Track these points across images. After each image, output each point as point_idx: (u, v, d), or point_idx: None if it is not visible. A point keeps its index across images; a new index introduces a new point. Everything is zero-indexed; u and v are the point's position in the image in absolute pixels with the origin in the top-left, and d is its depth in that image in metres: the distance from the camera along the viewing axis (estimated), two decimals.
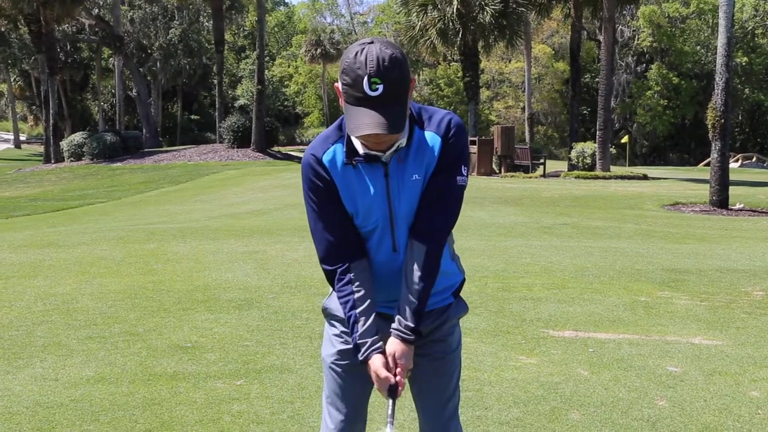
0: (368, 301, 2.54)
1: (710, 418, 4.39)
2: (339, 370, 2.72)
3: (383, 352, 2.54)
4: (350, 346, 2.63)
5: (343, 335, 2.69)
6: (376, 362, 2.51)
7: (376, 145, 2.39)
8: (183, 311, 6.76)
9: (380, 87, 2.26)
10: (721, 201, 18.74)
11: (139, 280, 8.17)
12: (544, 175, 31.07)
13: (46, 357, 5.41)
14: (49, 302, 7.11)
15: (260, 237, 11.66)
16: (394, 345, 2.54)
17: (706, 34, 58.02)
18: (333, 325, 2.75)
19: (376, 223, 2.53)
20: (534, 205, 18.39)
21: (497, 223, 14.04)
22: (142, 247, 10.61)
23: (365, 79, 2.26)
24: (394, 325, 2.55)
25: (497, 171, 32.05)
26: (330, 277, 2.59)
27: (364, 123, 2.27)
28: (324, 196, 2.51)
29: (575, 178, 29.06)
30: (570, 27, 37.20)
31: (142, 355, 5.46)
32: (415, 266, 2.51)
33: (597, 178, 28.63)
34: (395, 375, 2.52)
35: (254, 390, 4.75)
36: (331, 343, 2.76)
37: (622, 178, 28.95)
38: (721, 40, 18.71)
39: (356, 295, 2.53)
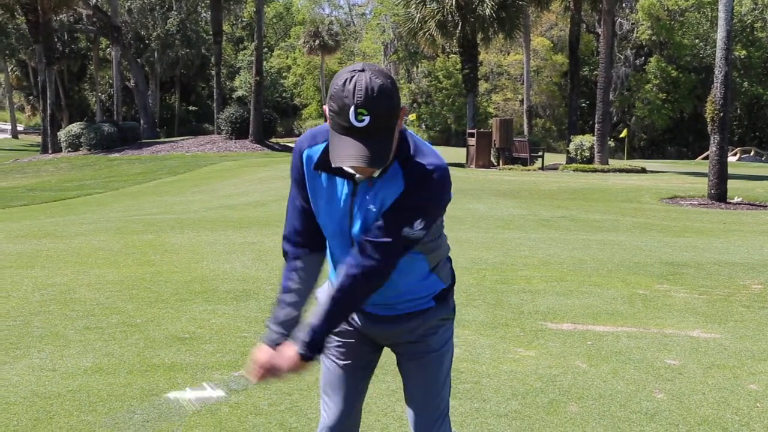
0: (299, 295, 2.56)
1: (708, 410, 4.39)
2: (329, 352, 2.74)
3: (274, 348, 2.53)
4: (342, 329, 2.67)
5: None
6: (263, 355, 2.54)
7: (360, 172, 2.35)
8: (180, 302, 6.75)
9: (366, 118, 2.19)
10: (719, 194, 18.72)
11: (136, 270, 8.15)
12: (542, 168, 31.05)
13: (44, 347, 5.40)
14: (47, 292, 7.09)
15: (258, 228, 11.64)
16: (285, 345, 2.53)
17: (705, 28, 57.92)
18: None
19: (333, 233, 2.53)
20: (532, 198, 18.37)
21: (495, 216, 14.03)
22: (140, 237, 10.60)
23: (351, 108, 2.19)
24: (297, 330, 2.55)
25: (495, 163, 32.03)
26: (285, 256, 2.63)
27: (346, 154, 2.22)
28: (298, 184, 2.56)
29: (573, 171, 29.03)
30: (569, 19, 37.13)
31: (139, 345, 5.45)
32: (331, 284, 2.54)
33: (595, 171, 28.62)
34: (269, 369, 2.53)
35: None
36: None
37: (621, 171, 28.92)
38: (720, 34, 18.66)
39: (292, 284, 2.56)
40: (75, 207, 20.44)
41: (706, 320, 6.34)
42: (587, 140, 31.90)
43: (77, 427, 4.06)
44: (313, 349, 2.47)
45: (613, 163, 31.91)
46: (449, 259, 2.75)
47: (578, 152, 31.76)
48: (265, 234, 10.92)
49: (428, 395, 2.69)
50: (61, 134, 42.40)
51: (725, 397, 4.60)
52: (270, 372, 2.54)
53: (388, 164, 2.36)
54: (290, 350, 2.49)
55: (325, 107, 2.30)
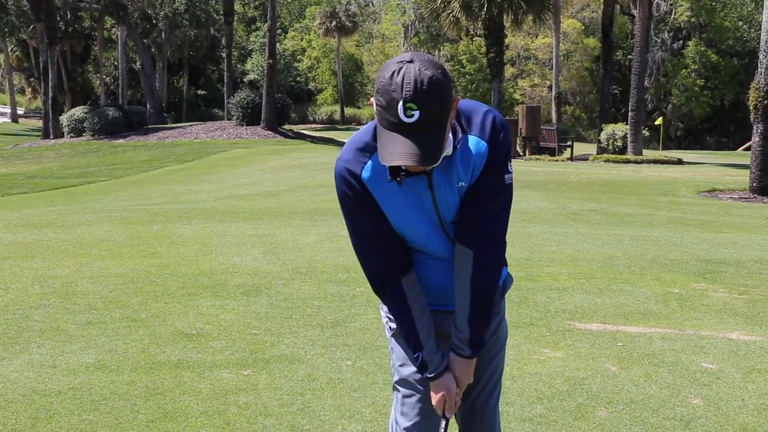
0: (426, 316, 2.55)
1: (748, 418, 4.35)
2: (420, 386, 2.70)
3: (450, 370, 2.58)
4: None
5: None
6: (448, 385, 2.57)
7: (413, 170, 2.34)
8: (188, 296, 6.78)
9: (416, 113, 2.16)
10: (762, 188, 18.57)
11: (141, 263, 8.20)
12: (571, 158, 30.95)
13: (44, 342, 5.44)
14: (47, 285, 7.15)
15: (270, 220, 11.67)
16: (454, 362, 2.58)
17: (749, 9, 57.35)
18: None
19: (427, 235, 2.52)
20: (560, 190, 18.30)
21: (521, 209, 13.98)
22: (145, 228, 10.66)
23: (400, 103, 2.16)
24: (452, 340, 2.58)
25: (521, 153, 31.93)
26: (379, 294, 2.60)
27: (395, 152, 2.19)
28: (363, 211, 2.48)
29: (605, 161, 28.92)
30: (602, 0, 36.88)
31: (144, 342, 5.49)
32: (464, 274, 2.50)
33: (628, 162, 28.48)
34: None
35: (262, 380, 4.76)
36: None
37: (655, 162, 28.77)
38: (766, 14, 18.48)
39: (414, 312, 2.53)
40: (77, 195, 20.60)
41: (746, 321, 6.29)
42: (620, 129, 31.72)
43: (78, 426, 4.10)
44: (479, 346, 2.57)
45: (648, 153, 31.71)
46: None
47: (610, 142, 31.59)
48: (277, 226, 10.95)
49: (494, 378, 2.89)
50: (64, 118, 42.73)
51: (766, 403, 4.56)
52: (462, 390, 2.63)
53: (454, 139, 2.39)
54: (460, 361, 2.58)
55: (372, 100, 2.28)
